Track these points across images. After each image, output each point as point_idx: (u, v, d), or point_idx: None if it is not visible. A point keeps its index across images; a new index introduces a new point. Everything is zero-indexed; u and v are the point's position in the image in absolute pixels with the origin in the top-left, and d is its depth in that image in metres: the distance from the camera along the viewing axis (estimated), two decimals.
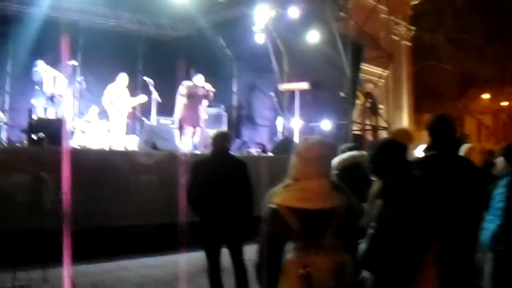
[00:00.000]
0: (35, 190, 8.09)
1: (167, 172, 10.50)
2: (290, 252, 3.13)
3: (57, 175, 7.98)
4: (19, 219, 8.04)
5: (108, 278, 8.89)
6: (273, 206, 3.24)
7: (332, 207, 3.22)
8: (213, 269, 6.76)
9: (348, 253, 3.21)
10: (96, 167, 9.96)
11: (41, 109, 12.90)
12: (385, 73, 23.48)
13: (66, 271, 7.59)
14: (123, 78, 13.92)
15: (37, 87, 13.05)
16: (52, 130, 9.90)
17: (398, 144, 3.86)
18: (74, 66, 13.47)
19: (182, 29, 18.62)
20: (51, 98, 13.10)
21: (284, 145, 13.85)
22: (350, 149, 5.38)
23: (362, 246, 3.47)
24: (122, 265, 9.57)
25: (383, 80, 24.66)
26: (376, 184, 3.73)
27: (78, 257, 7.96)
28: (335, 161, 4.95)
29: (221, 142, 6.99)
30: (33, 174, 8.32)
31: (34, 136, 8.80)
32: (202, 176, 6.71)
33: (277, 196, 3.29)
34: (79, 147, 12.00)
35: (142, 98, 14.08)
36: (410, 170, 3.77)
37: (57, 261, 6.97)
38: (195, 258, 8.97)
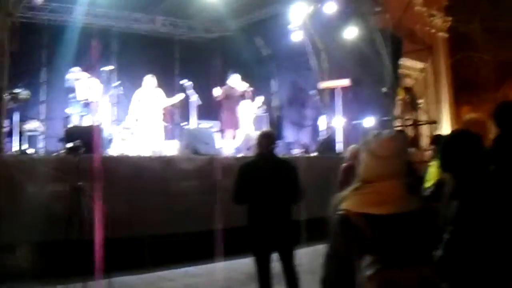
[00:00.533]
0: (73, 200, 7.74)
1: (209, 177, 10.18)
2: (367, 268, 2.61)
3: (95, 183, 7.82)
4: (58, 230, 7.67)
5: None
6: (343, 213, 2.72)
7: (410, 212, 2.71)
8: (263, 276, 6.42)
9: (433, 265, 2.76)
10: (135, 174, 9.67)
11: (77, 117, 12.56)
12: (424, 66, 22.83)
13: (106, 283, 7.49)
14: (149, 81, 13.45)
15: (71, 95, 12.74)
16: (88, 138, 9.50)
17: (471, 135, 3.38)
18: (110, 72, 13.00)
19: (216, 31, 18.27)
20: (87, 105, 12.72)
21: (328, 145, 13.43)
22: None
23: (438, 252, 3.02)
24: (164, 276, 9.23)
25: (421, 74, 23.97)
26: (450, 182, 3.30)
27: (118, 268, 8.01)
28: None
29: (266, 143, 6.65)
30: (71, 184, 7.94)
31: (69, 145, 8.37)
32: (248, 179, 6.48)
33: (347, 201, 2.78)
34: (117, 155, 11.65)
35: (180, 96, 13.53)
36: (486, 165, 3.33)
37: (97, 272, 6.93)
38: (240, 265, 8.66)
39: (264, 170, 6.49)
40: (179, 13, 16.70)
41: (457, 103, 33.32)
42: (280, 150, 13.21)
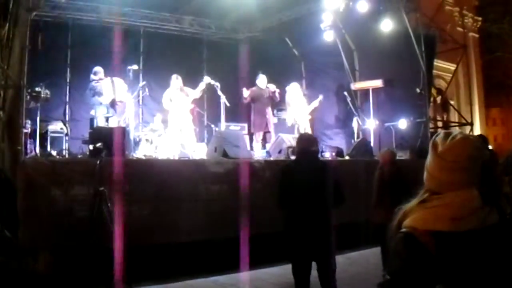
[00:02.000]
0: (94, 205, 7.29)
1: (238, 181, 9.45)
2: None
3: (118, 188, 7.50)
4: (79, 235, 7.28)
5: None
6: (408, 230, 2.14)
7: (489, 227, 2.12)
8: (302, 286, 6.05)
9: None
10: (161, 178, 9.01)
11: (102, 119, 12.03)
12: (454, 67, 22.07)
13: None
14: (175, 80, 12.95)
15: (95, 96, 12.18)
16: (112, 140, 8.99)
17: None
18: (135, 71, 12.39)
19: (244, 31, 17.73)
20: (112, 106, 12.23)
21: (362, 148, 12.76)
22: None
23: None
24: (191, 285, 8.61)
25: (452, 75, 23.19)
26: None
27: (142, 277, 7.68)
28: None
29: (307, 145, 6.23)
30: (93, 188, 7.44)
31: (91, 146, 7.81)
32: (290, 183, 6.12)
33: (412, 216, 2.19)
34: (144, 157, 11.20)
35: (200, 86, 12.89)
36: None
37: (119, 281, 6.68)
38: (271, 275, 8.49)
39: (305, 173, 6.04)
40: (207, 13, 16.15)
41: (487, 104, 32.53)
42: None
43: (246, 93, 13.30)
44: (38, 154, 10.55)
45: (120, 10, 14.78)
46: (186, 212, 9.14)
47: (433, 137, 2.32)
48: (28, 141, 10.78)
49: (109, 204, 7.21)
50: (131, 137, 11.63)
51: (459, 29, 25.58)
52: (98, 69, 12.42)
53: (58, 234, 7.58)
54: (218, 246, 9.24)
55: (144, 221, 8.41)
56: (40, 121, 11.31)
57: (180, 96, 12.83)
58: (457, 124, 18.91)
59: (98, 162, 7.27)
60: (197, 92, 12.94)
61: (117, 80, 12.29)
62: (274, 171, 9.93)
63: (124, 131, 9.69)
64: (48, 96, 11.34)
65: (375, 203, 7.98)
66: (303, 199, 5.95)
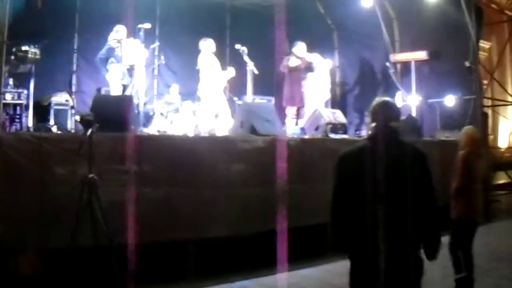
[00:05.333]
0: (83, 196, 5.37)
1: (270, 163, 7.46)
2: None
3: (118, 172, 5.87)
4: (64, 234, 5.41)
5: None
6: None
7: None
8: None
9: None
10: (176, 160, 7.04)
11: (118, 86, 10.36)
12: (489, 46, 20.18)
13: None
14: (209, 44, 11.12)
15: (113, 60, 10.39)
16: (117, 112, 7.21)
17: None
18: (147, 31, 10.44)
19: None
20: (130, 72, 10.47)
21: (409, 126, 10.75)
22: None
23: None
24: None
25: (485, 53, 21.27)
26: None
27: (151, 281, 6.09)
28: None
29: (385, 118, 3.75)
30: (80, 174, 5.45)
31: (77, 117, 5.83)
32: (356, 176, 3.59)
33: None
34: (152, 134, 9.45)
35: (230, 72, 11.12)
36: None
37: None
38: (312, 278, 7.24)
39: (382, 162, 3.52)
40: None
41: None
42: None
43: (294, 62, 11.72)
44: (32, 129, 8.88)
45: None
46: (203, 202, 7.22)
47: None
48: (24, 114, 9.28)
49: (99, 196, 5.28)
50: (141, 109, 9.74)
51: (493, 6, 23.54)
52: (121, 27, 10.58)
53: (42, 231, 5.67)
54: (244, 243, 7.43)
55: (151, 214, 6.56)
56: (35, 89, 9.79)
57: (217, 62, 11.17)
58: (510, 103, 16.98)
59: (87, 139, 5.21)
60: (228, 74, 11.31)
61: (136, 43, 10.46)
62: (312, 152, 8.17)
63: (130, 101, 7.67)
64: (38, 57, 9.43)
65: (456, 192, 6.26)
66: (377, 201, 3.48)
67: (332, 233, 3.72)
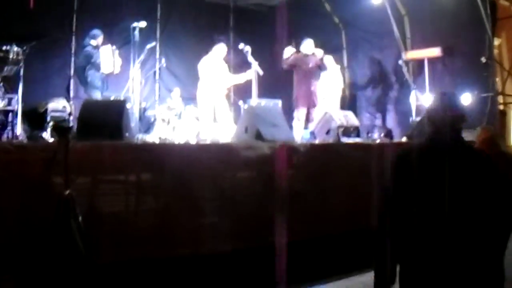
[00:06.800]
0: (58, 218, 4.49)
1: (278, 172, 6.60)
2: None
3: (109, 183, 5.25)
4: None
5: None
6: None
7: None
8: None
9: None
10: (175, 170, 6.14)
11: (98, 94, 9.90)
12: (497, 41, 19.43)
13: None
14: (220, 49, 10.66)
15: (93, 69, 9.91)
16: (109, 118, 6.49)
17: None
18: (142, 31, 9.69)
19: None
20: (105, 79, 10.10)
21: (424, 128, 9.91)
22: None
23: None
24: None
25: (495, 50, 20.48)
26: None
27: None
28: None
29: (445, 118, 3.34)
30: (54, 190, 4.61)
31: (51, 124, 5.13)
32: (415, 183, 3.25)
33: None
34: (146, 142, 8.78)
35: (247, 75, 10.27)
36: None
37: None
38: None
39: (444, 167, 3.16)
40: None
41: None
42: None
43: (289, 51, 10.98)
44: (20, 136, 8.28)
45: None
46: (199, 216, 6.37)
47: None
48: (15, 121, 8.57)
49: (80, 217, 4.40)
50: (136, 114, 9.07)
51: (502, 2, 22.79)
52: (98, 32, 10.00)
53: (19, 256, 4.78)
54: (248, 258, 6.52)
55: (146, 228, 5.75)
56: (30, 94, 9.33)
57: (223, 67, 10.58)
58: None
59: (61, 148, 4.39)
60: (235, 80, 10.70)
61: (113, 51, 9.98)
62: (324, 159, 7.30)
63: (122, 106, 6.89)
64: (20, 57, 8.68)
65: None
66: (440, 213, 3.13)
67: (382, 239, 3.40)
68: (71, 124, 9.72)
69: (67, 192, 4.36)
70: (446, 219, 3.13)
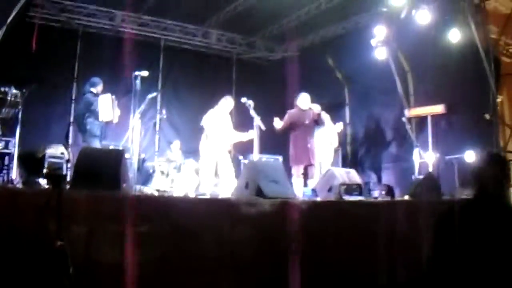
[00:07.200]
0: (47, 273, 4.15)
1: (279, 230, 6.29)
2: None
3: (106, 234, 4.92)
4: None
5: None
6: None
7: None
8: None
9: None
10: (175, 225, 5.78)
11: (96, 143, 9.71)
12: (499, 98, 19.36)
13: None
14: (228, 103, 10.48)
15: (92, 117, 9.75)
16: (106, 167, 6.22)
17: None
18: (145, 81, 9.44)
19: (279, 49, 15.11)
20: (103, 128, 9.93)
21: (429, 186, 9.67)
22: None
23: None
24: None
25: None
26: None
27: None
28: None
29: (495, 179, 3.42)
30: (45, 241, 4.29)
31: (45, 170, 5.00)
32: (457, 242, 3.27)
33: None
34: (143, 194, 8.73)
35: (250, 134, 10.05)
36: None
37: None
38: None
39: (494, 231, 3.22)
40: (238, 27, 13.76)
41: None
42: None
43: (278, 123, 10.47)
44: (15, 181, 8.27)
45: (138, 18, 12.64)
46: (204, 273, 5.90)
47: None
48: (11, 164, 8.68)
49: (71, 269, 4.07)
50: (135, 165, 8.85)
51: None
52: (97, 80, 9.93)
53: None
54: None
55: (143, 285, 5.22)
56: (29, 139, 9.53)
57: (228, 121, 10.39)
58: None
59: (54, 196, 4.13)
60: (238, 137, 10.46)
61: (113, 100, 9.88)
62: (326, 217, 6.89)
63: (120, 156, 6.67)
64: (19, 100, 8.66)
65: None
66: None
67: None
68: (68, 172, 9.62)
69: (59, 243, 4.08)
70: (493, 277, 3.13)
